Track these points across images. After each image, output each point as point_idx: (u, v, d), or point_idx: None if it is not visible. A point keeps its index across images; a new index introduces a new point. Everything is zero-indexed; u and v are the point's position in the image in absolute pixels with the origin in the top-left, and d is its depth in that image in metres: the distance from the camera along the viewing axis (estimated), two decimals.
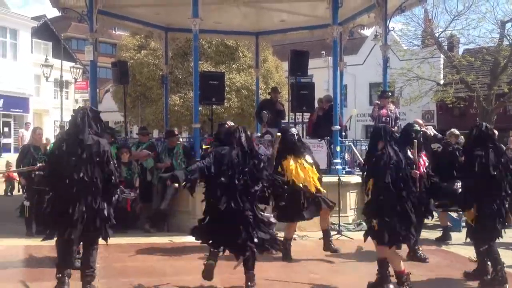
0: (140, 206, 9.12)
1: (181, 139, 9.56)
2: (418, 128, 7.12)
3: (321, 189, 7.03)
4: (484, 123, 6.40)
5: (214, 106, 13.83)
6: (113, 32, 45.95)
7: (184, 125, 23.31)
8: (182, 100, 21.83)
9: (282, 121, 12.28)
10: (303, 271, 6.58)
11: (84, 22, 11.00)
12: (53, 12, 48.89)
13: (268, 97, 14.04)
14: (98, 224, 5.16)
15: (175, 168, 9.24)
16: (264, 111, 11.21)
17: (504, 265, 6.02)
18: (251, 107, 20.79)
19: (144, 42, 23.70)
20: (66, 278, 5.16)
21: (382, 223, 5.41)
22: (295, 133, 7.06)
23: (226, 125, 7.21)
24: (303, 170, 6.87)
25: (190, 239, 7.14)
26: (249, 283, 5.41)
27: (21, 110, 29.60)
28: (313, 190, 6.88)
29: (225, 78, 17.23)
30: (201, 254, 6.81)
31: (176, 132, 13.20)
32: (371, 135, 6.09)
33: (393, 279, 5.56)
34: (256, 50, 14.33)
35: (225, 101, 17.01)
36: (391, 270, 5.60)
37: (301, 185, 6.79)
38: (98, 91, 16.72)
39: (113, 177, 5.26)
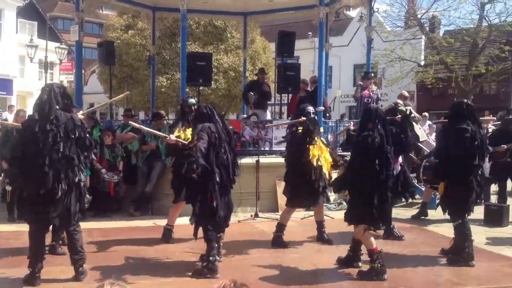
0: (124, 189, 9.09)
1: (165, 121, 9.47)
2: (403, 109, 7.15)
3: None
4: (466, 100, 6.46)
5: (201, 88, 13.74)
6: (100, 11, 45.35)
7: (171, 107, 23.17)
8: (169, 81, 21.67)
9: (268, 102, 12.27)
10: (284, 251, 6.67)
11: (71, 1, 10.79)
12: None
13: (255, 78, 13.98)
14: (75, 205, 5.16)
15: (161, 151, 9.18)
16: (250, 93, 11.16)
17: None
18: (238, 89, 20.68)
19: (131, 22, 23.41)
20: (37, 274, 5.14)
21: (353, 202, 5.53)
22: (311, 111, 6.97)
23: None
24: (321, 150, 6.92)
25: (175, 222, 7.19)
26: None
27: (5, 93, 29.23)
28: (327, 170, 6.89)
29: (213, 59, 17.16)
30: (185, 236, 6.86)
31: (163, 114, 13.12)
32: (362, 113, 6.10)
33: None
34: (244, 30, 14.20)
35: (212, 82, 16.90)
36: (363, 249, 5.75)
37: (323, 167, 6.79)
38: (83, 72, 16.54)
39: (87, 153, 5.31)
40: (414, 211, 9.32)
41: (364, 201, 5.47)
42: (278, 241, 6.87)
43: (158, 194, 9.02)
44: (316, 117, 7.03)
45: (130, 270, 5.76)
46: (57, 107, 5.16)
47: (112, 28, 24.19)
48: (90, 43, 29.05)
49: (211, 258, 5.52)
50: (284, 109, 13.01)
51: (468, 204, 6.10)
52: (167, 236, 7.00)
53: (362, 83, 10.86)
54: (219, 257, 5.74)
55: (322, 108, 10.26)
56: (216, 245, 5.64)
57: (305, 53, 29.78)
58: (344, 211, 6.00)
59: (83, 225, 6.00)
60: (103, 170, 8.68)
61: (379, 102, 10.67)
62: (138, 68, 22.62)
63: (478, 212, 6.56)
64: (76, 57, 12.08)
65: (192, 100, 7.10)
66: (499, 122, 10.26)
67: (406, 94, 10.75)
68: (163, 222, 7.35)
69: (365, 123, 5.65)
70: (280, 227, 6.95)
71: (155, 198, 9.02)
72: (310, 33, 32.85)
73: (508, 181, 9.41)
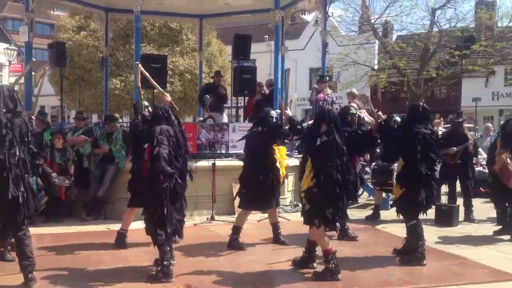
0: (75, 193, 8.85)
1: (118, 124, 9.29)
2: (354, 112, 7.27)
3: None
4: (421, 103, 6.61)
5: (156, 90, 13.57)
6: (51, 12, 44.33)
7: (125, 110, 22.81)
8: (123, 83, 21.34)
9: (224, 105, 12.24)
10: (239, 253, 6.65)
11: (20, 1, 10.49)
12: None
13: (211, 81, 13.92)
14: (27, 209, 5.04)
15: (114, 154, 9.01)
16: (206, 95, 11.10)
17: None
18: (194, 91, 20.60)
19: (84, 22, 22.98)
20: None
21: (315, 206, 5.53)
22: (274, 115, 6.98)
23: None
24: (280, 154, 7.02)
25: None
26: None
27: None
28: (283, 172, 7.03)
29: (168, 61, 16.99)
30: (140, 241, 6.74)
31: (117, 117, 12.89)
32: (316, 115, 6.16)
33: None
34: (200, 33, 14.13)
35: (168, 85, 16.76)
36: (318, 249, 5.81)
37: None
38: (34, 74, 16.07)
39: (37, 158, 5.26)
40: (368, 212, 9.50)
41: (328, 202, 5.51)
42: (234, 244, 6.84)
43: (111, 198, 8.83)
44: (278, 122, 7.05)
45: (82, 276, 5.61)
46: (4, 110, 5.02)
47: (64, 29, 23.67)
48: (41, 44, 28.31)
49: (165, 262, 5.44)
50: (241, 112, 12.99)
51: (429, 203, 6.28)
52: (121, 240, 6.85)
53: (317, 87, 10.99)
54: (172, 261, 5.65)
55: (278, 111, 10.29)
56: (168, 248, 5.55)
57: (262, 56, 29.89)
58: (300, 213, 6.03)
59: (33, 230, 5.85)
60: (54, 174, 8.43)
61: (333, 105, 10.81)
62: (91, 70, 22.21)
63: (429, 212, 6.73)
64: (26, 58, 11.74)
65: (144, 102, 6.92)
66: (449, 125, 10.56)
67: (356, 92, 10.93)
68: (116, 226, 7.21)
69: (319, 125, 5.71)
70: (236, 229, 6.93)
71: (108, 202, 8.83)
72: (267, 36, 33.04)
73: (457, 182, 9.67)
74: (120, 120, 13.37)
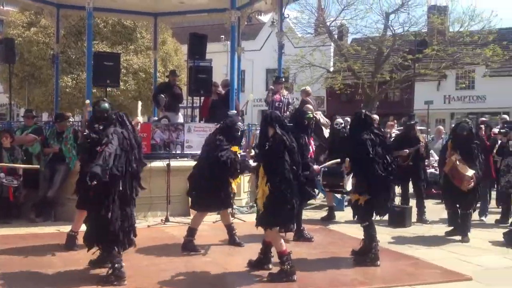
0: (24, 194, 8.57)
1: (69, 123, 9.03)
2: (311, 115, 7.29)
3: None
4: (363, 111, 6.69)
5: (109, 89, 13.33)
6: (1, 7, 42.92)
7: (77, 108, 22.22)
8: (74, 81, 20.81)
9: (180, 105, 12.10)
10: (195, 255, 6.57)
11: None
12: None
13: (166, 80, 13.74)
14: None
15: (64, 153, 8.75)
16: (161, 95, 10.95)
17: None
18: (149, 91, 20.27)
19: (34, 18, 22.29)
20: None
21: (269, 208, 5.52)
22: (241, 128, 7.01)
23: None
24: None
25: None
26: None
27: None
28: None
29: (122, 59, 16.68)
30: None
31: (68, 116, 12.54)
32: (261, 121, 6.17)
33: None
34: (155, 31, 13.94)
35: (122, 83, 16.45)
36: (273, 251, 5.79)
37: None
38: None
39: None
40: (323, 213, 9.57)
41: (281, 204, 5.49)
42: (189, 246, 6.73)
43: (62, 199, 8.58)
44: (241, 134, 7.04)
45: (31, 279, 5.42)
46: None
47: (13, 24, 22.92)
48: None
49: (116, 265, 5.30)
50: (197, 112, 12.87)
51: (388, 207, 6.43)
52: (71, 243, 6.64)
53: (273, 88, 11.01)
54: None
55: (234, 111, 10.26)
56: (116, 250, 5.40)
57: (218, 56, 29.83)
58: (255, 215, 6.00)
59: None
60: (2, 174, 8.14)
61: (290, 106, 10.84)
62: (41, 67, 21.55)
63: None
64: None
65: (106, 105, 6.51)
66: (402, 128, 10.76)
67: (309, 90, 10.99)
68: (66, 228, 6.99)
69: (266, 130, 5.72)
70: (191, 231, 6.83)
71: (58, 203, 8.58)
72: (223, 36, 32.96)
73: (410, 184, 9.85)
74: (71, 119, 12.97)
